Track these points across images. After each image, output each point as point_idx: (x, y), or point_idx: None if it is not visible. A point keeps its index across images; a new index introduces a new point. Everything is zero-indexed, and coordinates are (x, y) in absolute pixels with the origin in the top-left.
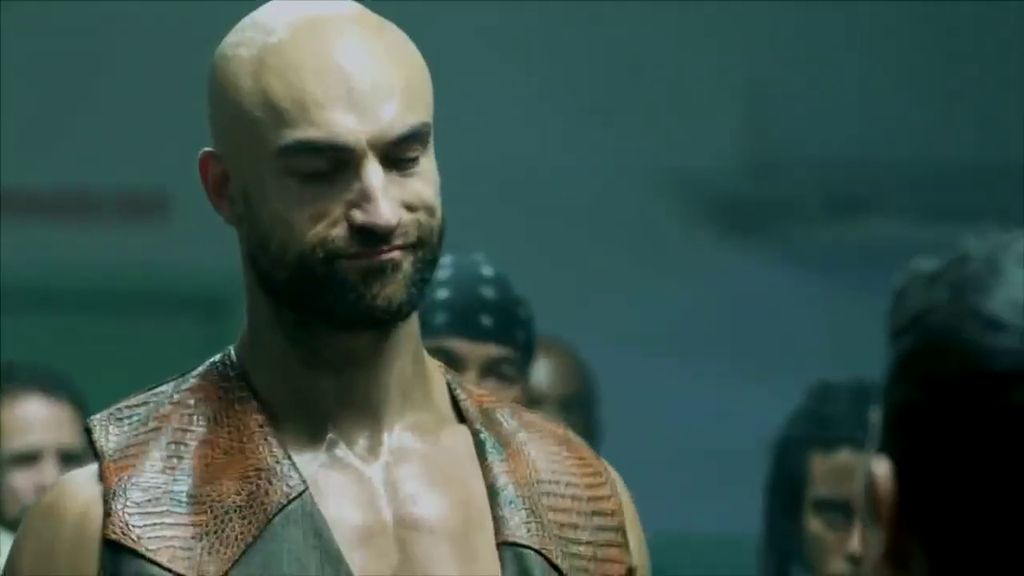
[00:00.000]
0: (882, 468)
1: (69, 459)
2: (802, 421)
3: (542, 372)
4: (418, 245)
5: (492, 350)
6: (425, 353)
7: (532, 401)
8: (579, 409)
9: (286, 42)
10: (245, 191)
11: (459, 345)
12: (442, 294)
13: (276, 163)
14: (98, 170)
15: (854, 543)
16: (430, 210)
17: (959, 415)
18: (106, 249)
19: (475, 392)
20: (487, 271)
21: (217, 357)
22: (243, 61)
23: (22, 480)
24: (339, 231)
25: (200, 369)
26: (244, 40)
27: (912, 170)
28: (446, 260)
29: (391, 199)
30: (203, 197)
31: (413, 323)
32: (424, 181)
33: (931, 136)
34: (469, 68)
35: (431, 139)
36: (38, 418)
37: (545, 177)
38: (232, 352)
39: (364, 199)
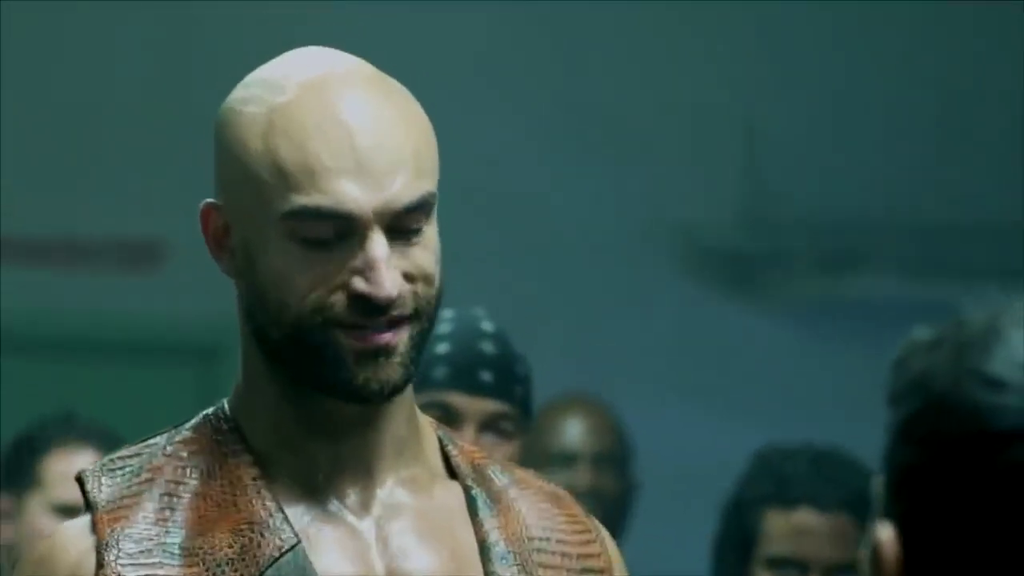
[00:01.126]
0: (886, 533)
1: None
2: (757, 481)
3: (576, 429)
4: (414, 316)
5: (490, 405)
6: (417, 410)
7: (553, 457)
8: (614, 466)
9: (295, 104)
10: (246, 246)
11: (458, 400)
12: (442, 348)
13: (281, 226)
14: (94, 219)
15: None
16: (428, 279)
17: (962, 473)
18: (102, 297)
19: (466, 448)
20: (487, 326)
21: (210, 410)
22: (252, 119)
23: None
24: (339, 298)
25: (193, 421)
26: (252, 97)
27: (905, 226)
28: (446, 314)
29: (393, 270)
30: (199, 246)
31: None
32: (425, 250)
33: (924, 193)
34: (466, 116)
35: (435, 207)
36: None
37: (541, 227)
38: (225, 405)
39: (367, 268)
